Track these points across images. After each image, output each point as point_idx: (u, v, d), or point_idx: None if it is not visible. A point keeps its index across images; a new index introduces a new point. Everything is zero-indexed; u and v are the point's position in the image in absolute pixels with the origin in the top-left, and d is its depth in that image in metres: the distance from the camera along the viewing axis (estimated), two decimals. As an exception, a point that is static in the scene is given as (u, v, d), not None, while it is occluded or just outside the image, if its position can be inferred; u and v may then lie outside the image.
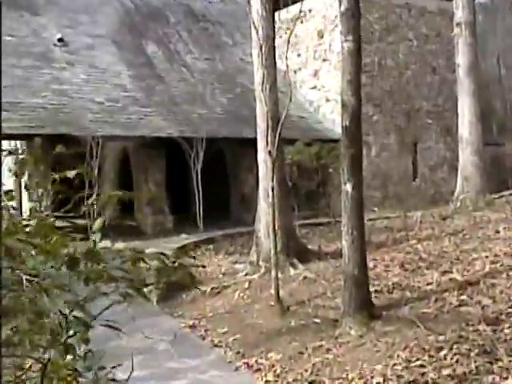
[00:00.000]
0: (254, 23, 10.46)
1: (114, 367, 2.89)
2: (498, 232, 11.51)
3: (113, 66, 20.32)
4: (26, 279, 2.07)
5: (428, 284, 8.77)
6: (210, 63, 22.86)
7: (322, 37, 21.51)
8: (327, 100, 21.20)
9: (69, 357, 2.32)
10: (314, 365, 6.91)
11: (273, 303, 9.13)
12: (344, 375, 6.49)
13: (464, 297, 7.99)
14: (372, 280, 9.01)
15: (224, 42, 24.38)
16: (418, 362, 6.30)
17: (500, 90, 28.10)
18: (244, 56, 22.42)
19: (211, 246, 14.43)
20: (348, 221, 7.81)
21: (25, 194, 17.46)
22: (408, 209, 15.58)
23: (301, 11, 10.82)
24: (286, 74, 9.98)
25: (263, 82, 10.31)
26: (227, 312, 9.57)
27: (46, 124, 16.63)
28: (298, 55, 22.57)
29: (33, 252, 2.15)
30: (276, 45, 11.92)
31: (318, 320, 8.34)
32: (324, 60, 21.49)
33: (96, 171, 16.12)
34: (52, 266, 2.17)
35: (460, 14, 17.22)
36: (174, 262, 2.80)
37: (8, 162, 20.39)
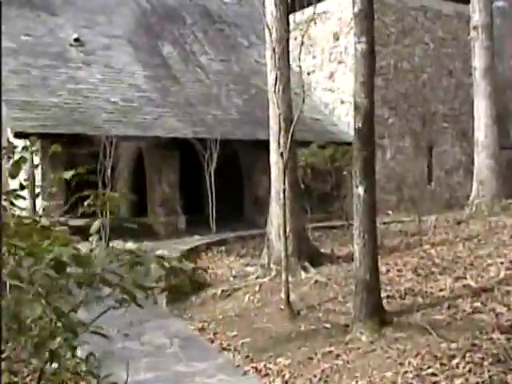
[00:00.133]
0: (267, 24, 10.37)
1: (106, 376, 2.81)
2: (513, 237, 11.37)
3: (128, 67, 20.31)
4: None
5: (441, 290, 8.64)
6: (226, 64, 22.79)
7: (337, 39, 21.40)
8: (342, 102, 21.07)
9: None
10: (323, 371, 6.81)
11: (283, 307, 9.03)
12: (353, 382, 6.38)
13: (478, 304, 7.86)
14: (384, 285, 8.89)
15: (239, 44, 24.32)
16: (430, 370, 6.18)
17: (517, 93, 27.87)
18: (259, 58, 22.32)
19: (223, 248, 14.34)
20: (360, 224, 7.69)
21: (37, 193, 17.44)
22: (422, 213, 15.42)
23: (314, 13, 10.67)
24: (300, 76, 9.86)
25: (276, 84, 10.22)
26: (237, 315, 9.46)
27: (61, 123, 16.64)
28: (314, 57, 22.47)
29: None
30: (291, 47, 11.84)
31: (328, 325, 8.23)
32: (339, 62, 21.38)
33: (109, 171, 16.10)
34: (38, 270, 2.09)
35: (477, 17, 17.05)
36: (171, 268, 2.69)
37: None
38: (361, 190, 7.64)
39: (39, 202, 17.43)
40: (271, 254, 11.29)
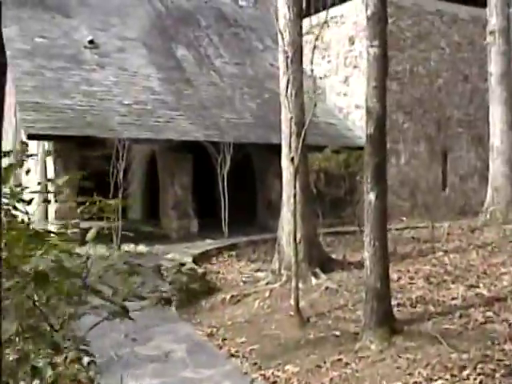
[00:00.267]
0: (279, 28, 10.28)
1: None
2: (528, 246, 11.23)
3: (142, 69, 20.30)
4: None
5: (453, 299, 8.52)
6: (240, 68, 22.74)
7: (352, 43, 21.27)
8: (357, 107, 20.92)
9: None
10: (331, 379, 6.70)
11: (292, 314, 8.92)
12: (362, 391, 6.29)
13: (490, 313, 7.74)
14: (395, 293, 8.78)
15: (254, 47, 24.27)
16: (440, 381, 6.07)
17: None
18: (274, 61, 22.22)
19: (234, 253, 14.24)
20: (371, 231, 7.58)
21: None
22: (436, 219, 15.28)
23: (327, 17, 10.53)
24: (312, 80, 9.77)
25: (287, 88, 10.13)
26: (246, 321, 9.36)
27: (74, 125, 16.64)
28: (329, 61, 22.37)
29: None
30: (306, 51, 11.74)
31: (337, 333, 8.12)
32: (354, 67, 21.24)
33: (122, 173, 16.06)
34: (18, 282, 2.00)
35: (493, 22, 16.88)
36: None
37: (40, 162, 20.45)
38: (372, 197, 7.53)
39: (52, 204, 17.45)
40: (282, 260, 11.18)
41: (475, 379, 5.96)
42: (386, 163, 8.06)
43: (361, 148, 18.16)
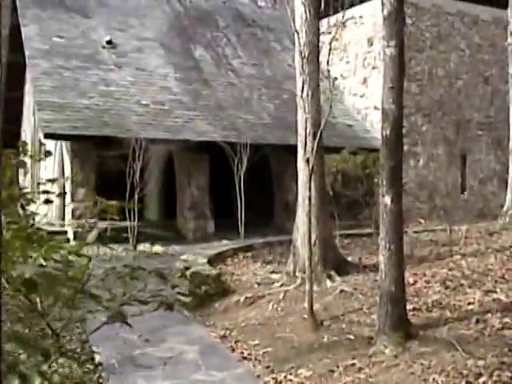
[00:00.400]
0: (295, 28, 10.18)
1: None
2: (547, 250, 11.05)
3: (160, 69, 20.30)
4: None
5: (469, 304, 8.37)
6: (258, 68, 22.68)
7: (371, 44, 21.13)
8: (375, 108, 20.76)
9: None
10: (344, 384, 6.61)
11: (306, 317, 8.83)
12: (375, 398, 6.18)
13: (507, 319, 7.58)
14: (411, 297, 8.66)
15: (272, 48, 24.20)
16: (455, 388, 5.95)
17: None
18: (292, 62, 22.04)
19: (249, 254, 14.15)
20: (386, 234, 7.46)
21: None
22: (454, 222, 15.12)
23: (344, 17, 10.45)
24: (329, 81, 9.64)
25: (303, 88, 10.05)
26: (260, 323, 9.27)
27: (91, 125, 16.68)
28: (347, 62, 22.24)
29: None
30: (324, 51, 11.65)
31: (351, 336, 8.01)
32: (373, 68, 21.10)
33: (138, 173, 16.06)
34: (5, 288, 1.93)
35: (515, 23, 16.69)
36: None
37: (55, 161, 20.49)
38: (387, 200, 7.42)
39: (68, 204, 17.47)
40: (297, 262, 11.09)
41: (491, 387, 5.85)
42: (402, 166, 7.93)
43: (379, 150, 18.12)
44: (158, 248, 16.00)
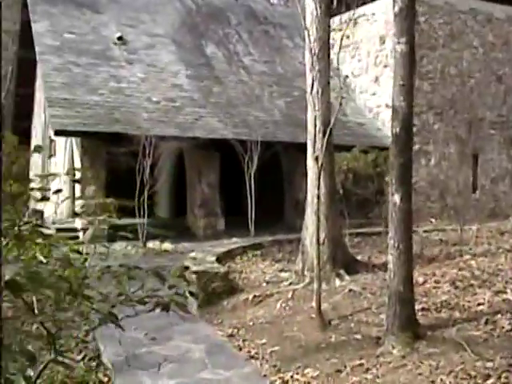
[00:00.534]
0: (305, 24, 10.09)
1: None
2: (559, 250, 10.93)
3: (171, 66, 20.26)
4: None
5: (479, 304, 8.27)
6: (270, 66, 22.60)
7: (383, 42, 21.00)
8: (387, 106, 20.66)
9: None
10: (351, 385, 6.53)
11: (314, 316, 8.75)
12: (382, 399, 6.11)
13: (517, 320, 7.50)
14: (420, 297, 8.57)
15: (284, 45, 24.11)
16: (463, 390, 5.87)
17: None
18: (303, 59, 22.07)
19: (259, 252, 14.06)
20: (395, 234, 7.37)
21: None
22: (465, 222, 15.01)
23: (354, 15, 10.35)
24: (339, 78, 9.55)
25: (313, 85, 9.96)
26: (267, 322, 9.20)
27: (101, 122, 16.66)
28: (359, 60, 22.12)
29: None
30: (336, 49, 11.55)
31: (359, 336, 7.93)
32: (385, 66, 20.97)
33: (148, 170, 16.03)
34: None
35: (529, 21, 16.54)
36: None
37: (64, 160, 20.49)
38: (397, 198, 7.33)
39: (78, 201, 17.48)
40: (305, 260, 11.01)
41: (500, 389, 5.76)
42: (412, 164, 7.84)
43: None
44: (167, 245, 15.98)
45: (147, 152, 15.89)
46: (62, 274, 2.06)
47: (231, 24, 23.86)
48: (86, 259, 2.46)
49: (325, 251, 10.57)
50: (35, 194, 3.80)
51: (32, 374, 1.97)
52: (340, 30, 12.31)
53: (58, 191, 3.20)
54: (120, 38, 20.07)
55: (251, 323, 9.26)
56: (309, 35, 10.16)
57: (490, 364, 6.25)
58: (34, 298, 2.25)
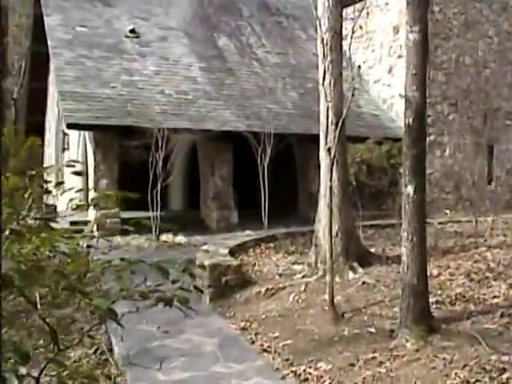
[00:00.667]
0: (317, 14, 9.98)
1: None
2: None
3: (184, 58, 20.18)
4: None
5: (494, 297, 8.17)
6: (283, 57, 22.47)
7: (397, 32, 20.78)
8: (401, 97, 20.48)
9: None
10: (364, 379, 6.44)
11: (327, 309, 8.68)
12: (395, 392, 6.03)
13: (533, 313, 7.40)
14: (434, 289, 8.48)
15: (297, 37, 23.96)
16: (478, 384, 5.78)
17: None
18: (317, 50, 21.96)
19: (272, 244, 13.98)
20: (408, 226, 7.28)
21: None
22: (481, 213, 14.87)
23: (365, 4, 10.22)
24: (351, 68, 9.44)
25: (324, 76, 9.86)
26: (280, 315, 9.13)
27: (114, 115, 16.62)
28: (373, 51, 21.93)
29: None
30: (349, 39, 11.42)
31: (372, 329, 7.85)
32: (399, 56, 20.74)
33: (161, 163, 15.98)
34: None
35: (545, 10, 16.33)
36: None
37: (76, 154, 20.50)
38: (410, 190, 7.23)
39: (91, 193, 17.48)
40: (318, 253, 10.92)
41: (515, 383, 5.67)
42: (426, 155, 7.74)
43: (404, 139, 17.86)
44: (180, 238, 15.94)
45: (160, 145, 15.84)
46: (57, 269, 2.00)
47: (243, 16, 23.74)
48: (88, 253, 2.39)
49: (338, 243, 10.49)
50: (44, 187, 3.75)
51: (25, 372, 1.91)
52: (352, 19, 12.18)
53: (60, 183, 3.13)
54: (132, 31, 20.01)
55: (264, 316, 9.20)
56: (320, 25, 10.06)
57: (505, 358, 6.16)
58: (37, 293, 2.19)
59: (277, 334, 8.35)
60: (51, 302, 2.03)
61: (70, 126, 16.23)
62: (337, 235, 10.44)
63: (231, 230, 17.16)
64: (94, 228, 16.22)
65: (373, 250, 12.26)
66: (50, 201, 14.21)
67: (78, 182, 19.19)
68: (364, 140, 17.02)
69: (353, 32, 9.39)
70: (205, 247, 12.12)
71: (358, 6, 20.35)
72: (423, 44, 7.24)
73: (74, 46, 18.51)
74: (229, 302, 10.13)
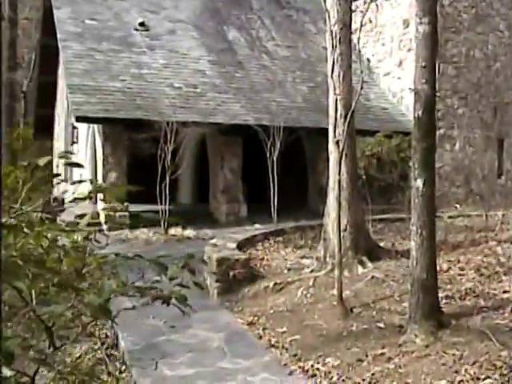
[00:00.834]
0: (325, 6, 9.89)
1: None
2: None
3: (193, 52, 20.11)
4: None
5: (505, 292, 8.09)
6: (292, 51, 22.36)
7: (407, 25, 20.62)
8: (411, 90, 20.32)
9: None
10: (373, 374, 6.38)
11: (335, 303, 8.61)
12: (404, 389, 5.96)
13: (544, 308, 7.31)
14: (444, 284, 8.41)
15: (307, 30, 23.83)
16: (488, 381, 5.70)
17: None
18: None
19: (281, 238, 13.90)
20: (417, 220, 7.20)
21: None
22: (491, 207, 14.76)
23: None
24: (359, 61, 9.35)
25: (333, 68, 9.77)
26: (288, 310, 9.07)
27: (123, 108, 16.59)
28: (383, 44, 21.80)
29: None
30: (358, 33, 11.34)
31: (381, 325, 7.78)
32: (409, 50, 20.58)
33: (169, 157, 15.93)
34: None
35: (557, 3, 16.16)
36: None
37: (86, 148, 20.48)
38: (419, 183, 7.15)
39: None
40: (327, 247, 10.84)
41: (526, 379, 5.60)
42: (436, 148, 7.65)
43: (414, 133, 17.73)
44: (189, 232, 15.90)
45: (169, 138, 15.79)
46: (39, 262, 1.94)
47: (253, 9, 23.64)
48: (84, 247, 2.33)
49: (347, 237, 10.42)
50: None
51: (9, 373, 1.86)
52: (361, 11, 12.07)
53: (56, 175, 3.07)
54: (142, 24, 19.96)
55: (272, 311, 9.14)
56: (329, 17, 9.96)
57: (516, 354, 6.09)
58: (33, 290, 2.14)
59: (285, 329, 8.29)
60: (42, 298, 1.98)
61: (78, 119, 16.21)
62: (346, 229, 10.36)
63: (240, 223, 17.11)
64: (102, 221, 16.22)
65: (382, 244, 12.18)
66: (61, 193, 14.19)
67: (88, 175, 19.21)
68: (374, 134, 16.90)
69: (361, 25, 9.27)
70: (213, 241, 12.06)
71: (368, -2, 20.22)
72: (433, 36, 7.14)
73: (83, 39, 18.48)
74: (237, 297, 10.07)
